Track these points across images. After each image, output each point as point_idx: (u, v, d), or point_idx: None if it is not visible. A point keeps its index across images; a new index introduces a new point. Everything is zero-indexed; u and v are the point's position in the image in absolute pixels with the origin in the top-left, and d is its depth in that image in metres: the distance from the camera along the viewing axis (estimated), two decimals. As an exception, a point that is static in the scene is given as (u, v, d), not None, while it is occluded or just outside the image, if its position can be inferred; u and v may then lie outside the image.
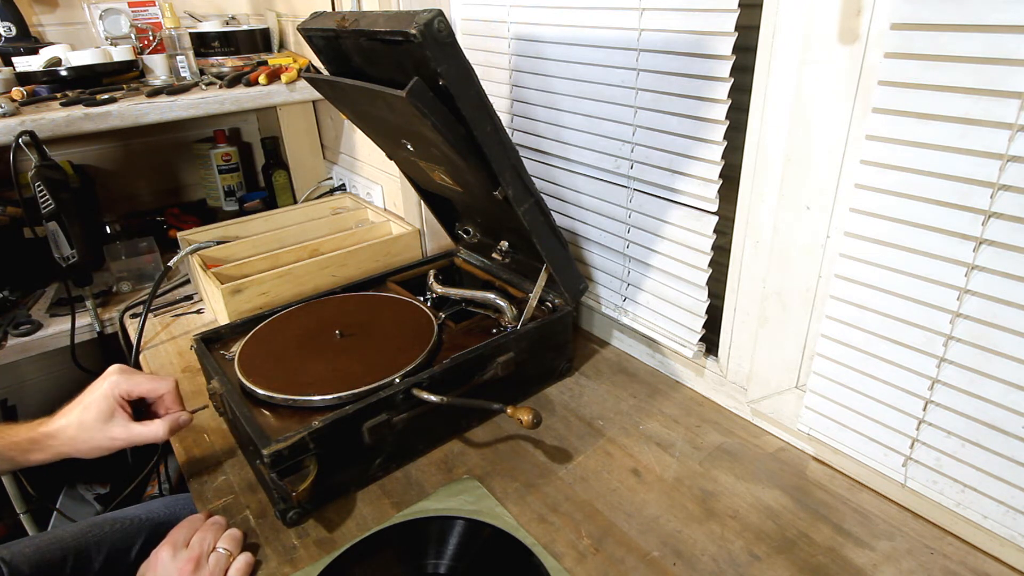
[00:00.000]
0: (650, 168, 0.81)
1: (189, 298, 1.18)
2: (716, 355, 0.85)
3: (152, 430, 0.68)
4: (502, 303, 0.87)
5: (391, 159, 0.97)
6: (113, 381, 0.68)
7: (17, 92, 1.15)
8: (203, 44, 1.40)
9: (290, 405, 0.72)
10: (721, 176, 0.74)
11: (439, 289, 0.96)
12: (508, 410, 0.73)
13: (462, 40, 1.06)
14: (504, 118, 1.02)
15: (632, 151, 0.83)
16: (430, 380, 0.73)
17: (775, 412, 0.77)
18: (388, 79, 0.68)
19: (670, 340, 0.87)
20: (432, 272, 0.99)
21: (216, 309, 1.06)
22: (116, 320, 1.17)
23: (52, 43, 1.38)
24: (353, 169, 1.40)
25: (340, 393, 0.71)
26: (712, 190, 0.75)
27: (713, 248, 0.78)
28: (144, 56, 1.36)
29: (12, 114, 1.05)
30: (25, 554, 0.78)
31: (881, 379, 0.64)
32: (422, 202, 1.07)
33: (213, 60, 1.41)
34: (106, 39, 1.44)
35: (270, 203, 1.58)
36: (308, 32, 0.78)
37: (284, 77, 1.27)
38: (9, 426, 0.68)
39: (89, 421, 0.66)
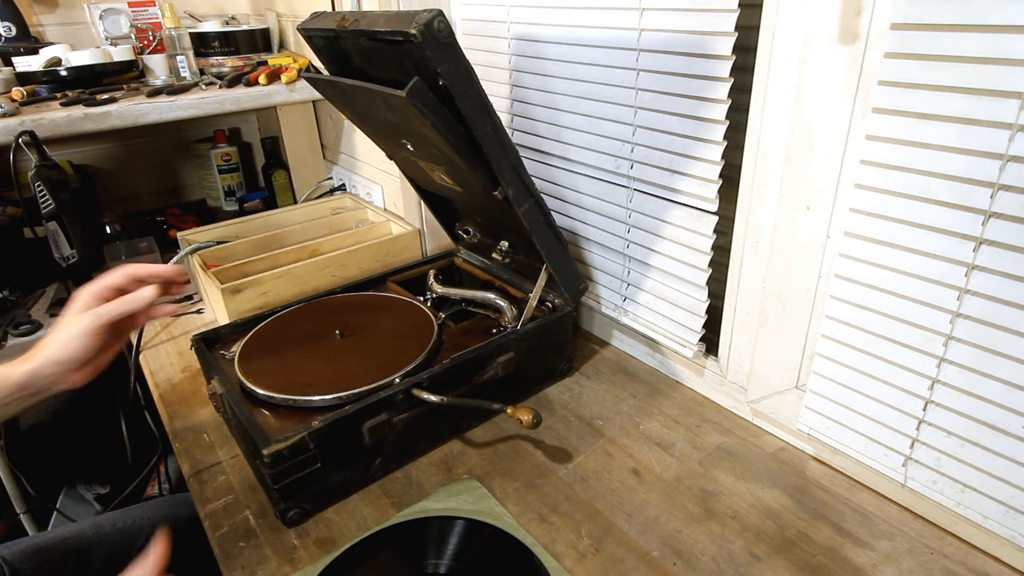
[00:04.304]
0: (650, 168, 0.81)
1: (189, 298, 1.18)
2: (716, 355, 0.85)
3: (142, 293, 0.65)
4: (502, 303, 0.87)
5: (391, 159, 0.97)
6: (83, 291, 0.66)
7: (17, 92, 1.15)
8: (203, 44, 1.40)
9: (290, 405, 0.72)
10: (721, 176, 0.74)
11: (439, 289, 0.96)
12: (508, 410, 0.73)
13: (462, 40, 1.06)
14: (504, 118, 1.02)
15: (632, 151, 0.83)
16: (430, 380, 0.73)
17: (775, 412, 0.77)
18: (388, 79, 0.68)
19: (670, 340, 0.87)
20: (432, 272, 0.99)
21: (216, 309, 1.06)
22: (116, 320, 1.17)
23: (52, 43, 1.38)
24: (353, 169, 1.40)
25: (340, 393, 0.71)
26: (712, 190, 0.75)
27: (713, 248, 0.78)
28: (144, 56, 1.36)
29: (12, 114, 1.05)
30: (25, 554, 0.78)
31: (881, 379, 0.64)
32: (422, 202, 1.07)
33: (213, 60, 1.41)
34: (106, 39, 1.44)
35: (270, 203, 1.58)
36: (308, 32, 0.78)
37: (284, 77, 1.27)
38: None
39: (66, 319, 0.64)
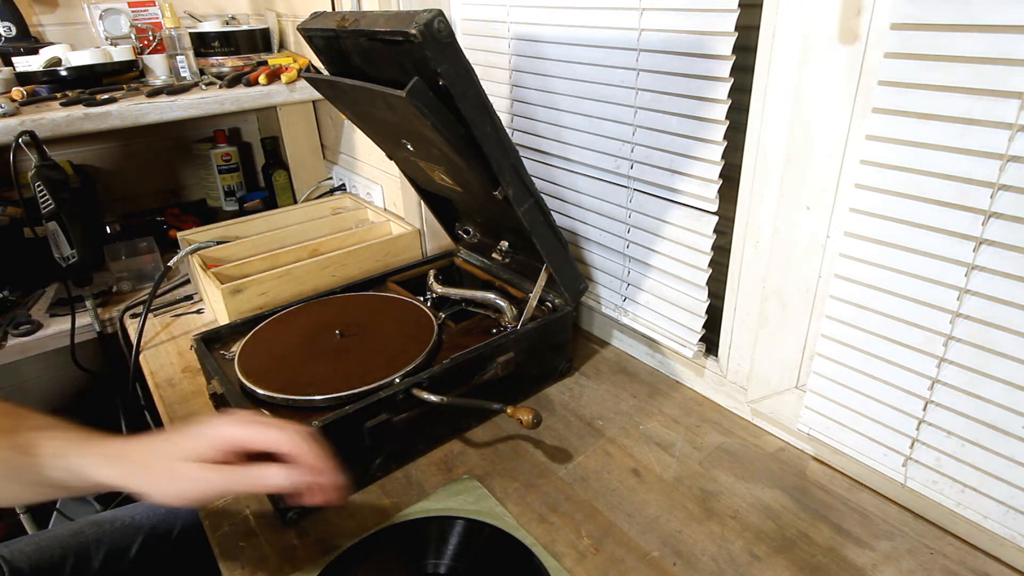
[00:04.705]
0: (650, 168, 0.81)
1: (189, 298, 1.18)
2: (716, 355, 0.85)
3: (263, 471, 0.51)
4: (502, 303, 0.87)
5: (391, 159, 0.97)
6: (221, 427, 0.52)
7: (17, 92, 1.15)
8: (203, 44, 1.41)
9: (290, 405, 0.72)
10: (721, 176, 0.74)
11: (439, 289, 0.96)
12: (508, 410, 0.73)
13: (462, 40, 1.06)
14: (504, 118, 1.02)
15: (632, 151, 0.83)
16: (430, 380, 0.73)
17: (775, 412, 0.77)
18: (388, 79, 0.68)
19: (670, 340, 0.87)
20: (432, 272, 0.99)
21: (216, 309, 1.06)
22: (116, 320, 1.17)
23: (52, 43, 1.38)
24: (353, 169, 1.40)
25: (340, 393, 0.71)
26: (712, 190, 0.75)
27: (713, 248, 0.78)
28: (144, 56, 1.36)
29: (12, 114, 1.05)
30: (25, 552, 0.78)
31: (881, 379, 0.64)
32: (422, 202, 1.07)
33: (213, 60, 1.41)
34: (106, 39, 1.44)
35: (270, 203, 1.58)
36: (308, 32, 0.78)
37: (284, 77, 1.27)
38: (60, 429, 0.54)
39: (179, 449, 0.51)
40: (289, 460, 0.52)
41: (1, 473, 0.52)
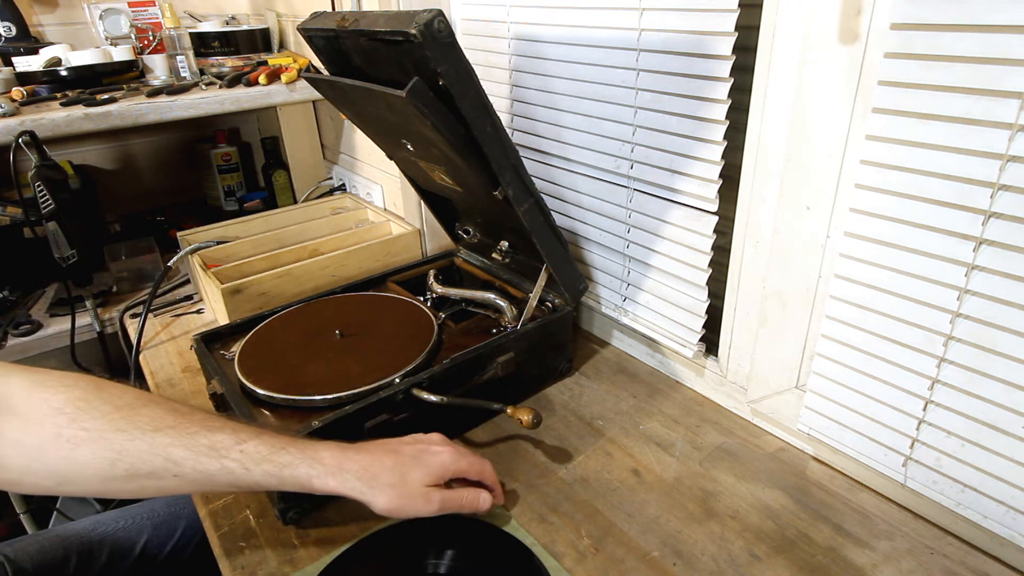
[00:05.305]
0: (650, 168, 0.81)
1: (189, 298, 1.18)
2: (716, 355, 0.85)
3: (478, 495, 0.63)
4: (502, 303, 0.87)
5: (391, 159, 0.97)
6: (446, 458, 0.62)
7: (17, 92, 1.16)
8: (203, 44, 1.41)
9: (290, 405, 0.72)
10: (721, 176, 0.74)
11: (439, 289, 0.96)
12: (508, 410, 0.73)
13: (462, 40, 1.05)
14: (504, 118, 1.02)
15: (632, 151, 0.83)
16: (430, 380, 0.73)
17: (775, 412, 0.77)
18: (388, 79, 0.68)
19: (670, 340, 0.87)
20: (432, 272, 0.99)
21: (216, 309, 1.06)
22: (116, 320, 1.17)
23: (52, 43, 1.38)
24: (353, 169, 1.40)
25: (340, 393, 0.71)
26: (712, 190, 0.75)
27: (713, 248, 0.78)
28: (144, 56, 1.36)
29: (12, 114, 1.05)
30: (28, 552, 0.78)
31: (881, 379, 0.64)
32: (422, 202, 1.07)
33: (213, 60, 1.42)
34: (106, 39, 1.44)
35: (270, 203, 1.58)
36: (308, 32, 0.78)
37: (284, 77, 1.27)
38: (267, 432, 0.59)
39: (415, 473, 0.60)
40: (480, 483, 0.65)
41: (173, 471, 0.54)
